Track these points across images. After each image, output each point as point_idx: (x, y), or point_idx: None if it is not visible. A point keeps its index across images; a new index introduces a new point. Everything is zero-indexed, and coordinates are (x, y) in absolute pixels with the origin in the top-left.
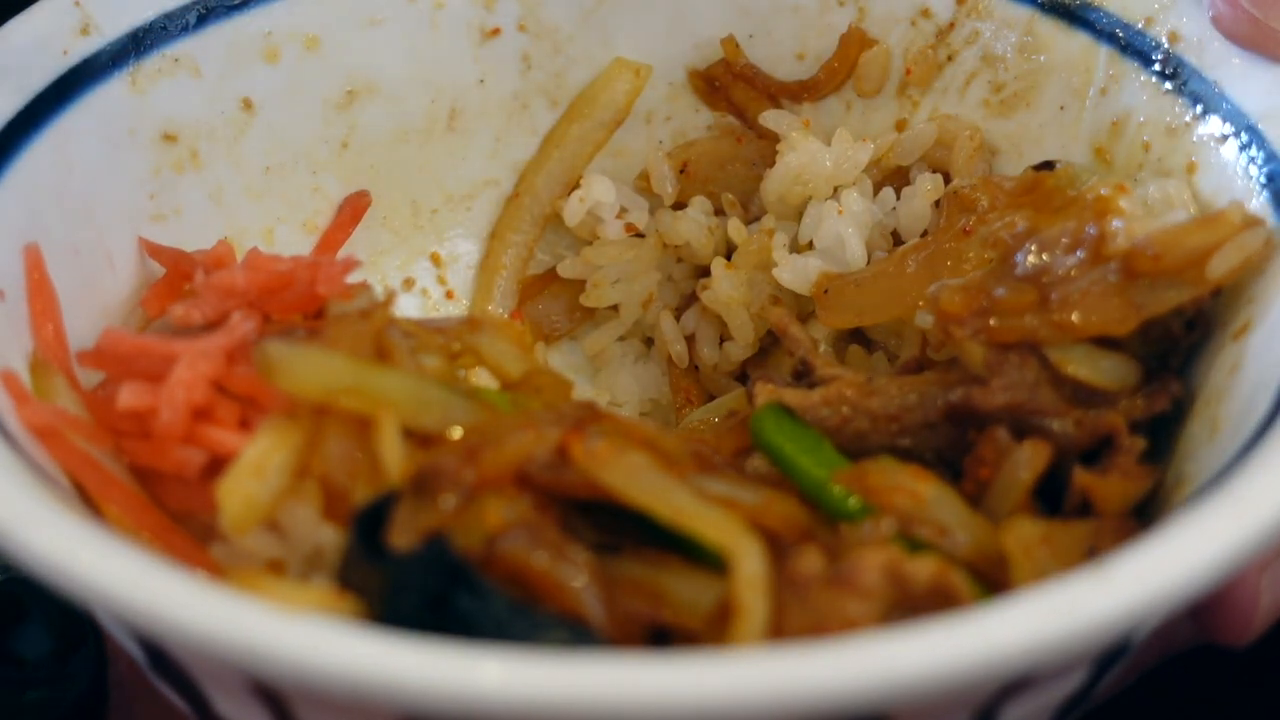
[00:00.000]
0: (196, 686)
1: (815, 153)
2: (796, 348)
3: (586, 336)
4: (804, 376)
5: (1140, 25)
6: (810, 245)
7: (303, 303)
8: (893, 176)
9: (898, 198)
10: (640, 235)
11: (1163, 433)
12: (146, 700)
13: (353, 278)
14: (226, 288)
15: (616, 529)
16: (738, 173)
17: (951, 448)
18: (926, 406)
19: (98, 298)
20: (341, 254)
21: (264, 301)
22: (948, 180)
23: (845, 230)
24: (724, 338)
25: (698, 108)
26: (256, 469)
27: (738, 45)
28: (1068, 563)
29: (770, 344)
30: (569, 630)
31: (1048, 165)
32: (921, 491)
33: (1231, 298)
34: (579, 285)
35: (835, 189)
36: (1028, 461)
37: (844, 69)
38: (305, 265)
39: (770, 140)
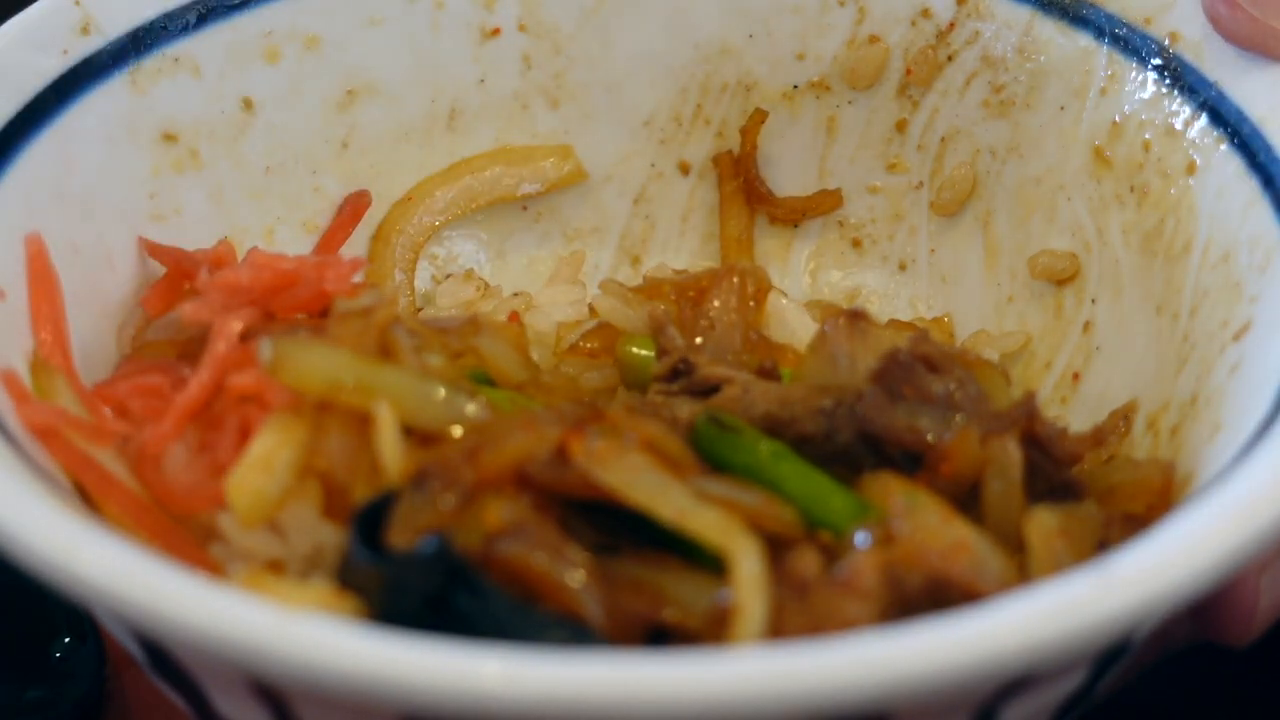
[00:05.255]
0: (196, 686)
1: None
2: (673, 347)
3: None
4: (681, 377)
5: (1140, 25)
6: None
7: (308, 301)
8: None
9: None
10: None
11: None
12: (146, 700)
13: (357, 277)
14: (231, 286)
15: (616, 529)
16: None
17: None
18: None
19: (98, 297)
20: (341, 254)
21: (268, 300)
22: None
23: None
24: None
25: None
26: (265, 464)
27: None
28: (1081, 554)
29: None
30: (568, 630)
31: None
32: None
33: (1232, 297)
34: None
35: None
36: (1010, 460)
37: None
38: (310, 264)
39: None
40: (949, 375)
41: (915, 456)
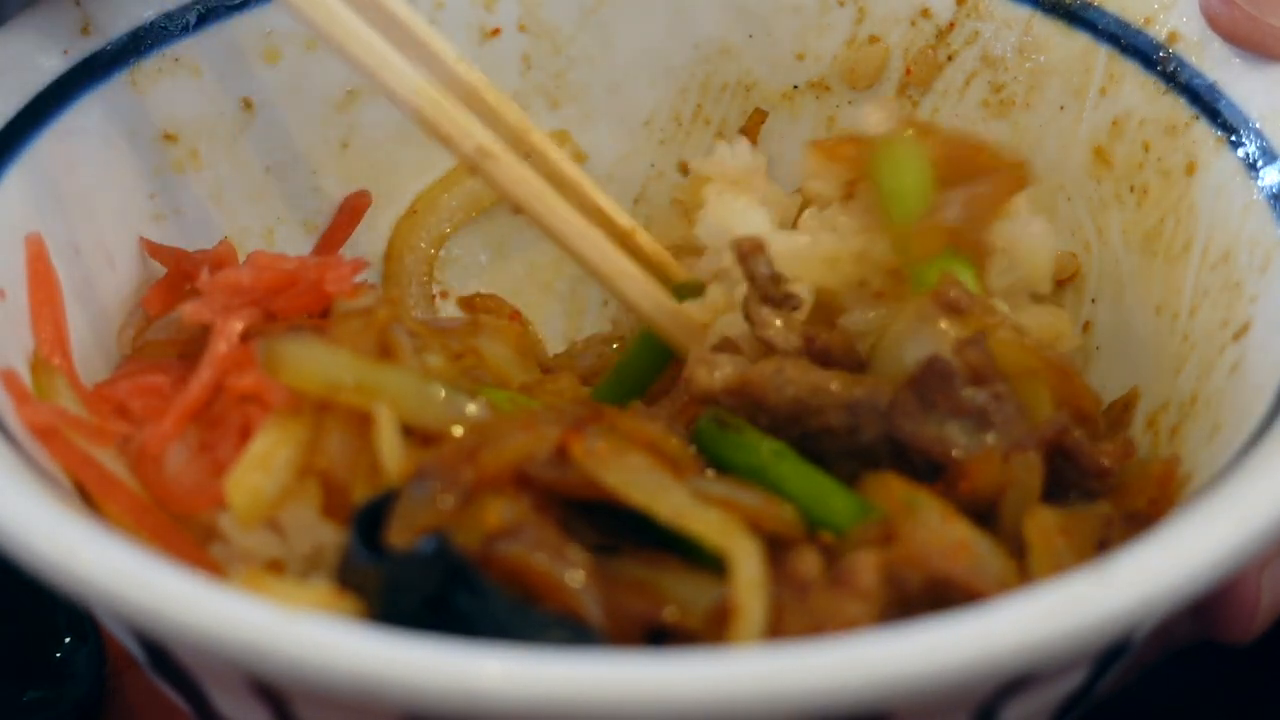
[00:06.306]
0: (196, 685)
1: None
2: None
3: None
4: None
5: (1140, 25)
6: None
7: (309, 301)
8: None
9: None
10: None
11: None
12: (146, 700)
13: (357, 278)
14: (232, 286)
15: (616, 529)
16: None
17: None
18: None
19: (98, 297)
20: (341, 254)
21: (269, 300)
22: None
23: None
24: None
25: None
26: (264, 463)
27: None
28: (1082, 554)
29: None
30: (568, 630)
31: None
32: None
33: (1232, 298)
34: None
35: None
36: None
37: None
38: (312, 264)
39: None
40: (989, 388)
41: (937, 466)
